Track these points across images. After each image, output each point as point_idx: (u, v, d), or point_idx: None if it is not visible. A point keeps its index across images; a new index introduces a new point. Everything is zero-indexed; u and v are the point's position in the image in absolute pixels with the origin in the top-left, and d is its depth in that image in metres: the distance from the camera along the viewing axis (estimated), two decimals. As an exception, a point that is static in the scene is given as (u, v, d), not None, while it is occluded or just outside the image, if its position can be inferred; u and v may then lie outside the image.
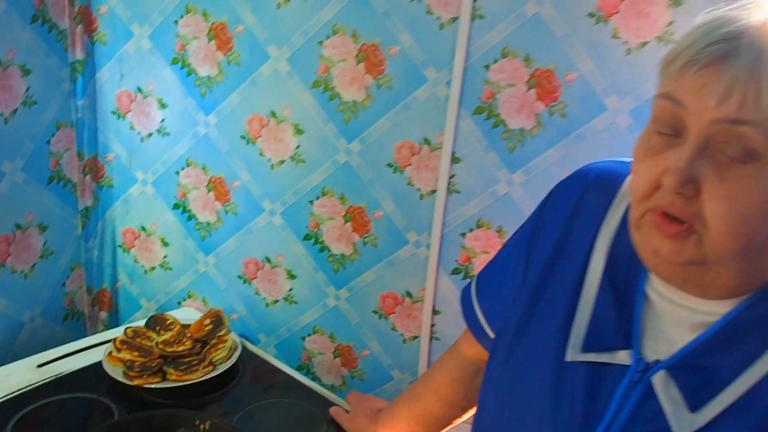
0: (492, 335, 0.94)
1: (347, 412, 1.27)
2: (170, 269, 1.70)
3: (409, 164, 1.35)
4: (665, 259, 0.66)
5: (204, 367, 1.36)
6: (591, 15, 1.15)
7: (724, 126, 0.60)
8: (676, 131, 0.64)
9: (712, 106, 0.60)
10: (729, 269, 0.64)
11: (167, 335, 1.44)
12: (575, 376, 0.75)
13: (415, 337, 1.46)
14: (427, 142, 1.32)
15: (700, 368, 0.67)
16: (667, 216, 0.64)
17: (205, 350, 1.43)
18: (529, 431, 0.78)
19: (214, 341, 1.46)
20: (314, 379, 1.61)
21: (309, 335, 1.58)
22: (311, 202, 1.47)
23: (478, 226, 1.33)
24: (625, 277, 0.76)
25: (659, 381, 0.69)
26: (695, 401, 0.66)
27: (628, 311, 0.75)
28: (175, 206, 1.64)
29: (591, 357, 0.75)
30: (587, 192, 0.83)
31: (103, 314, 1.81)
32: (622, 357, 0.73)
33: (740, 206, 0.60)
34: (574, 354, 0.76)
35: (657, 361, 0.71)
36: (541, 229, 0.88)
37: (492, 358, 0.89)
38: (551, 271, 0.83)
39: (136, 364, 1.33)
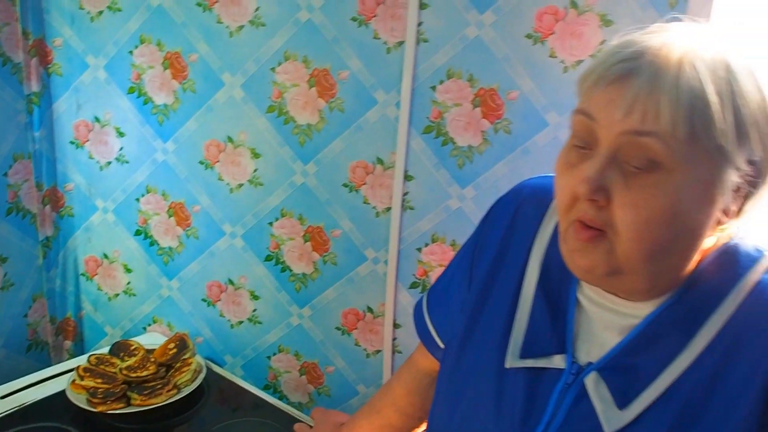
0: (443, 347, 0.98)
1: (311, 427, 1.30)
2: (134, 295, 1.72)
3: (364, 183, 1.39)
4: (585, 271, 0.71)
5: (168, 391, 1.38)
6: (529, 36, 1.20)
7: (629, 137, 0.64)
8: (590, 144, 0.69)
9: (619, 120, 0.65)
10: (641, 274, 0.69)
11: (131, 361, 1.46)
12: (515, 382, 0.79)
13: (378, 351, 1.49)
14: (380, 161, 1.37)
15: (626, 368, 0.72)
16: (584, 225, 0.69)
17: (169, 374, 1.45)
18: None
19: (178, 365, 1.47)
20: (281, 397, 1.63)
21: (274, 354, 1.61)
22: (271, 223, 1.51)
23: (433, 241, 1.37)
24: (558, 286, 0.81)
25: (591, 382, 0.74)
26: (623, 399, 0.71)
27: (561, 317, 0.79)
28: (137, 233, 1.66)
29: (529, 363, 0.79)
30: (522, 206, 0.88)
31: (68, 343, 1.82)
32: (557, 361, 0.77)
33: (645, 213, 0.64)
34: (513, 361, 0.81)
35: (589, 363, 0.75)
36: (482, 244, 0.93)
37: (441, 368, 0.93)
38: (492, 283, 0.88)
39: (100, 390, 1.34)
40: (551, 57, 1.19)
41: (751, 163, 0.65)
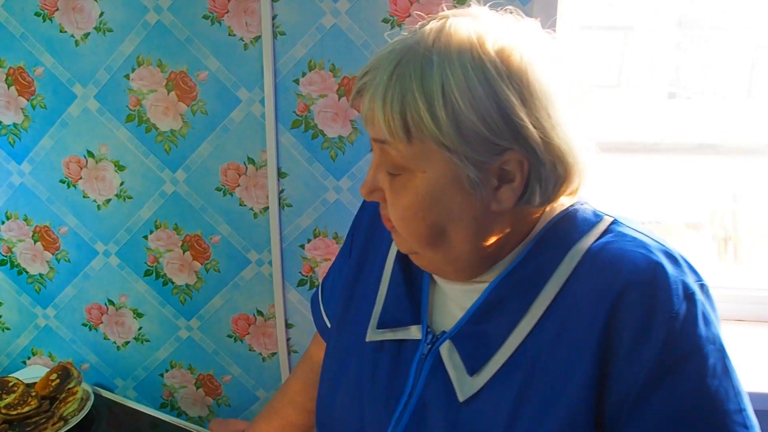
0: None
1: (210, 442, 1.26)
2: (8, 329, 1.61)
3: (238, 185, 1.35)
4: (399, 249, 0.78)
5: (54, 424, 1.30)
6: (386, 21, 1.20)
7: (378, 144, 0.71)
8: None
9: (368, 129, 0.71)
10: (433, 257, 0.74)
11: (10, 398, 1.36)
12: (383, 356, 0.81)
13: (274, 354, 1.47)
14: (251, 161, 1.33)
15: (475, 335, 0.74)
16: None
17: (54, 406, 1.37)
18: (353, 413, 0.82)
19: (63, 395, 1.39)
20: (180, 414, 1.58)
21: (167, 371, 1.54)
22: (146, 237, 1.44)
23: (315, 236, 1.35)
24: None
25: (445, 350, 0.75)
26: (473, 366, 0.72)
27: (417, 291, 0.82)
28: (2, 263, 1.55)
29: (388, 335, 0.81)
30: None
31: (-59, 389, 1.69)
32: (414, 332, 0.79)
33: (400, 210, 0.71)
34: (372, 334, 0.82)
35: (443, 333, 0.77)
36: (357, 228, 0.96)
37: (326, 351, 0.94)
38: (363, 264, 0.90)
39: (-23, 436, 1.25)
40: (410, 40, 1.19)
41: (504, 151, 0.66)
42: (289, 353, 1.45)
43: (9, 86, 1.39)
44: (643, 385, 0.65)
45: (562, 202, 0.74)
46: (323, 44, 1.23)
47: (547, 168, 0.68)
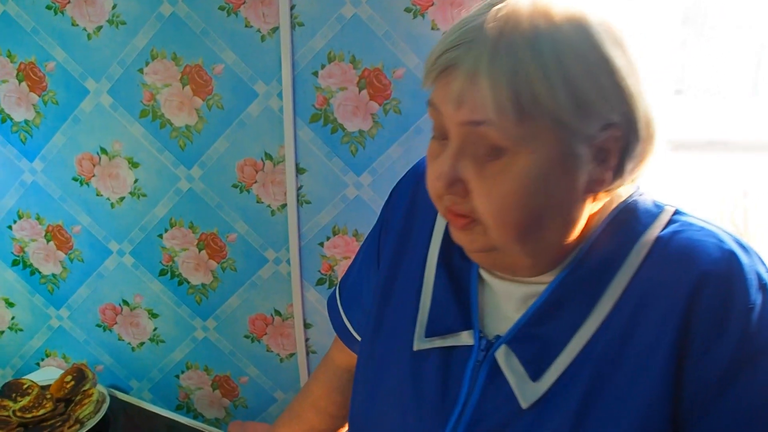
0: (360, 339, 0.94)
1: (229, 445, 1.23)
2: (21, 330, 1.58)
3: (255, 182, 1.32)
4: (466, 249, 0.70)
5: (70, 427, 1.27)
6: (408, 10, 1.16)
7: (468, 128, 0.62)
8: (444, 135, 0.66)
9: (453, 111, 0.63)
10: (519, 251, 0.67)
11: (25, 401, 1.34)
12: (429, 364, 0.76)
13: (292, 355, 1.43)
14: (269, 156, 1.30)
15: (535, 338, 0.69)
16: (456, 213, 0.67)
17: (69, 409, 1.34)
18: (394, 424, 0.78)
19: (78, 397, 1.36)
20: (196, 416, 1.55)
21: (183, 372, 1.51)
22: (160, 235, 1.41)
23: (335, 233, 1.32)
24: (460, 263, 0.78)
25: (501, 356, 0.71)
26: (535, 370, 0.68)
27: (465, 294, 0.76)
28: (14, 263, 1.52)
29: (437, 342, 0.76)
30: (420, 184, 0.84)
31: (-47, 391, 1.66)
32: (466, 338, 0.74)
33: (499, 201, 0.63)
34: (419, 342, 0.77)
35: (498, 337, 0.72)
36: (386, 228, 0.90)
37: (358, 359, 0.89)
38: (398, 266, 0.85)
39: (-9, 440, 1.22)
40: (433, 29, 1.15)
41: (609, 126, 0.62)
42: (307, 354, 1.41)
43: (20, 82, 1.36)
44: (719, 380, 0.61)
45: (620, 194, 0.70)
46: (343, 35, 1.19)
47: (639, 145, 0.64)
